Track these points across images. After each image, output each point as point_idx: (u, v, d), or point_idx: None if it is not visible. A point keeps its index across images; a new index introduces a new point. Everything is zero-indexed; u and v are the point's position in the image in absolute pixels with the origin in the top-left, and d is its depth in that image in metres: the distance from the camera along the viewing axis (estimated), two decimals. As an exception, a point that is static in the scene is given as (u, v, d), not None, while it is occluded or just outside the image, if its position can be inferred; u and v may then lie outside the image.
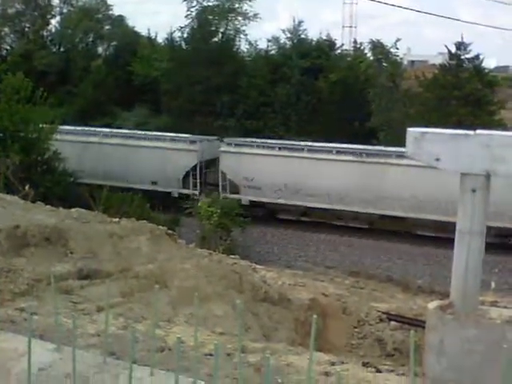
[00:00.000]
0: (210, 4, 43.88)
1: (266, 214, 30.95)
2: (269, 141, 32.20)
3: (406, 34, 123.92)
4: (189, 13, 43.52)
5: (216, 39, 43.74)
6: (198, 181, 32.63)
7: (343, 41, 49.83)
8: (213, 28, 43.73)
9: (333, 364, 6.21)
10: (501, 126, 32.81)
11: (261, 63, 43.07)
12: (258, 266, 13.10)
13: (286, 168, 29.83)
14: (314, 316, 4.26)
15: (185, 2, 43.45)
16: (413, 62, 60.72)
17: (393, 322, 11.52)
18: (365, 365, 6.96)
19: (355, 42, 45.16)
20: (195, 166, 32.57)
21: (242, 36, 45.06)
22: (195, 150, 32.72)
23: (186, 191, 32.14)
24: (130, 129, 36.97)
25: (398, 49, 38.34)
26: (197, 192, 32.13)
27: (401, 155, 23.73)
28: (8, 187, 20.74)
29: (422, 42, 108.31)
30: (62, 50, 49.20)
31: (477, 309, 7.31)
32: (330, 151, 29.30)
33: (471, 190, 7.77)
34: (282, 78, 40.71)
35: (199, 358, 5.06)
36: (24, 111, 27.00)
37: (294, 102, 39.50)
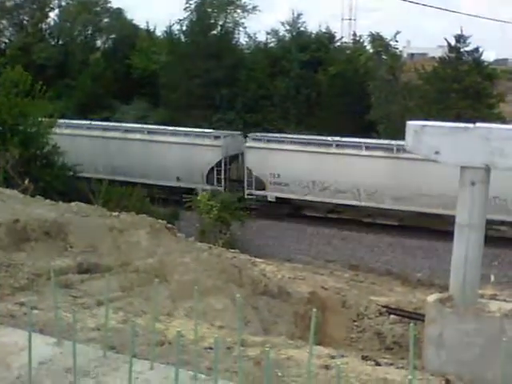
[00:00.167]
0: (209, -3, 43.75)
1: (292, 211, 30.50)
2: (296, 136, 31.52)
3: (405, 26, 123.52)
4: (187, 5, 43.44)
5: (215, 32, 43.59)
6: (223, 177, 32.01)
7: (342, 33, 49.79)
8: (212, 21, 43.58)
9: (332, 357, 6.23)
10: (500, 119, 32.77)
11: (260, 56, 42.97)
12: (257, 260, 13.09)
13: (314, 164, 29.12)
14: (314, 309, 4.27)
15: (184, -5, 43.30)
16: (412, 54, 60.61)
17: (392, 316, 11.51)
18: (364, 358, 6.98)
19: (355, 34, 45.09)
20: (220, 162, 31.90)
21: (240, 29, 45.01)
22: (219, 145, 31.96)
23: (210, 187, 31.15)
24: (129, 122, 36.77)
25: (397, 41, 38.22)
26: (221, 188, 31.49)
27: None
28: (7, 181, 20.72)
29: (422, 35, 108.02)
30: (60, 43, 49.05)
31: (476, 302, 7.32)
32: (359, 147, 28.52)
33: (470, 183, 7.75)
34: (281, 71, 40.63)
35: (199, 351, 5.07)
36: (23, 105, 26.91)
37: (293, 95, 39.43)
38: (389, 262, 25.12)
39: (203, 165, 31.76)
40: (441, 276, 18.06)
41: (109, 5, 51.39)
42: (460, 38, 35.12)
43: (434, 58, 43.06)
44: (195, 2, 43.46)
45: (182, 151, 32.22)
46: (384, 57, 37.60)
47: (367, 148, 28.55)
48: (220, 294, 8.99)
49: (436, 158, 8.60)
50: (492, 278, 17.96)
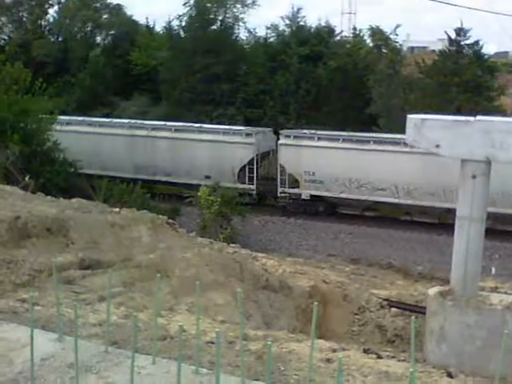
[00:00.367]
0: (208, -9, 43.62)
1: (327, 209, 30.11)
2: (330, 132, 30.62)
3: (405, 20, 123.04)
4: (187, 1, 43.26)
5: (215, 27, 43.50)
6: (255, 175, 31.25)
7: (342, 27, 49.63)
8: (211, 16, 43.47)
9: (334, 351, 6.24)
10: (500, 112, 32.71)
11: (260, 51, 42.88)
12: (258, 254, 13.12)
13: (351, 161, 28.39)
14: (315, 303, 4.28)
15: (183, -10, 43.17)
16: (412, 48, 60.42)
17: (393, 309, 11.53)
18: (366, 351, 7.00)
19: (354, 28, 44.91)
20: (251, 160, 31.13)
21: (240, 24, 44.84)
22: (251, 142, 31.19)
23: (241, 186, 30.74)
24: (130, 118, 36.54)
25: (397, 35, 38.06)
26: (253, 186, 31.03)
27: None
28: (8, 178, 20.74)
29: (422, 29, 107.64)
30: (60, 39, 48.98)
31: (477, 295, 7.31)
32: (397, 143, 27.28)
33: (471, 176, 7.74)
34: (281, 65, 40.54)
35: (201, 346, 5.08)
36: (23, 102, 26.91)
37: (293, 90, 39.36)
38: (390, 255, 25.12)
39: (234, 163, 30.99)
40: (442, 269, 18.05)
41: (108, 1, 51.26)
42: (460, 32, 35.01)
43: (434, 51, 42.94)
44: (195, -3, 43.38)
45: (212, 149, 31.35)
46: (384, 50, 37.50)
47: (406, 144, 28.02)
48: (221, 289, 9.00)
49: (437, 152, 8.58)
50: (493, 270, 17.96)
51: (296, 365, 5.35)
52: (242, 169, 31.31)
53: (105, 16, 51.07)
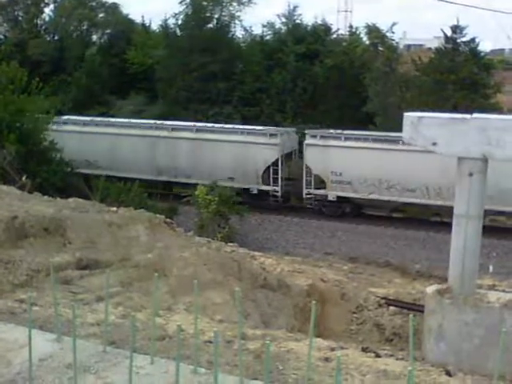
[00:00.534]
0: (204, -10, 43.57)
1: (353, 210, 29.68)
2: (357, 132, 29.96)
3: (401, 18, 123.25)
4: (183, -1, 43.23)
5: (211, 25, 43.46)
6: (280, 176, 30.68)
7: (338, 25, 49.62)
8: (207, 14, 43.44)
9: (332, 350, 6.24)
10: (497, 109, 32.76)
11: (256, 49, 42.87)
12: (256, 253, 13.11)
13: (380, 161, 27.76)
14: (313, 302, 4.27)
15: (179, -11, 43.10)
16: (409, 46, 60.45)
17: (391, 307, 11.54)
18: (364, 350, 7.01)
19: (351, 26, 44.98)
20: (276, 161, 30.55)
21: (236, 22, 44.81)
22: (276, 143, 30.58)
23: (266, 187, 30.46)
24: (125, 117, 36.39)
25: (393, 33, 38.15)
26: (278, 188, 30.64)
27: None
28: (5, 178, 20.70)
29: (419, 26, 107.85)
30: (56, 38, 48.85)
31: (475, 292, 7.32)
32: None
33: (468, 173, 7.74)
34: (277, 63, 40.55)
35: (199, 345, 5.07)
36: (19, 101, 26.85)
37: (289, 88, 39.37)
38: (387, 253, 25.17)
39: (259, 164, 30.53)
40: (440, 267, 18.09)
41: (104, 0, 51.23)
42: (456, 29, 35.07)
43: (430, 49, 42.99)
44: (190, -4, 43.30)
45: (236, 150, 30.79)
46: (380, 48, 37.52)
47: None
48: (219, 288, 9.00)
49: (433, 149, 8.60)
50: (491, 268, 18.00)
51: (294, 364, 5.35)
52: (266, 170, 30.77)
53: (101, 15, 50.96)
